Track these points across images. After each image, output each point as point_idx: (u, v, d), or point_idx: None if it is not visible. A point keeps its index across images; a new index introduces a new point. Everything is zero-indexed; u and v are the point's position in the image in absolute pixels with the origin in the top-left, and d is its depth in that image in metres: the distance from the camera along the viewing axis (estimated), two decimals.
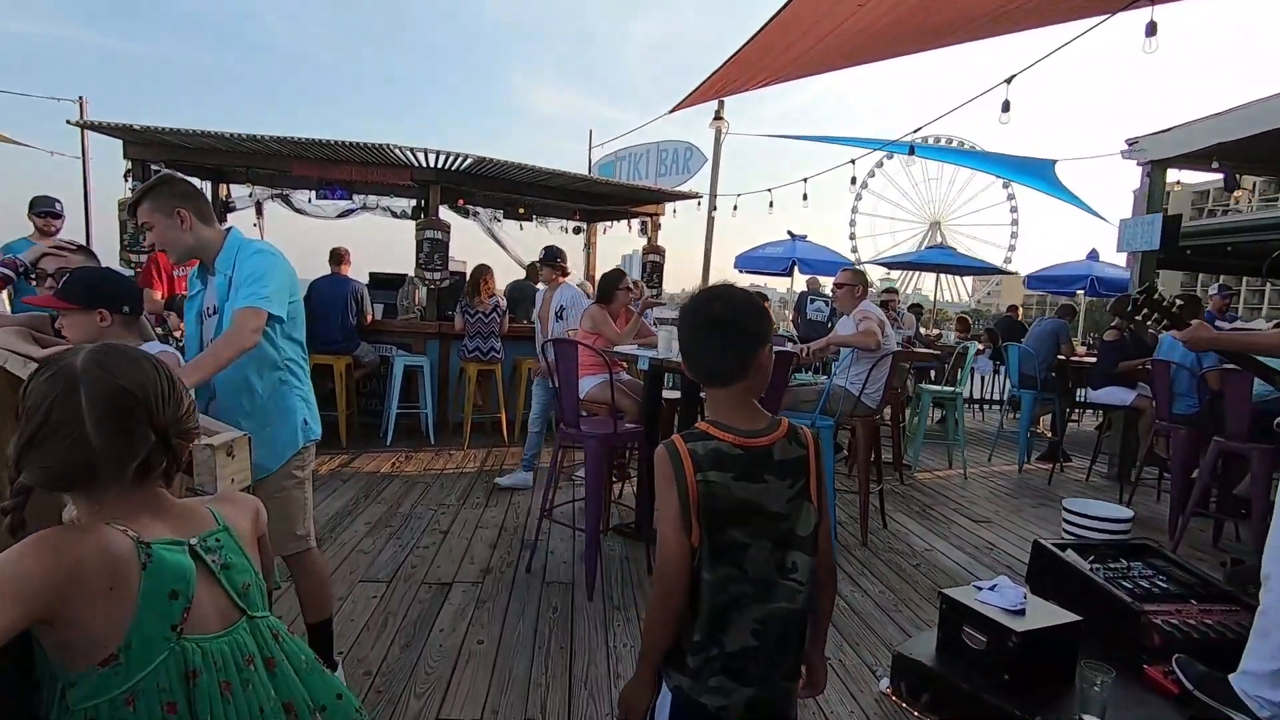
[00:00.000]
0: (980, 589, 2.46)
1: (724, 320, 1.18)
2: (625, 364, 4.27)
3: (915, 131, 6.45)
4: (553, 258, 4.81)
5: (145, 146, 5.66)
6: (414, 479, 4.79)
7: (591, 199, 6.99)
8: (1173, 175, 6.14)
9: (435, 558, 3.38)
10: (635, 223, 7.36)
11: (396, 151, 5.62)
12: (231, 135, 5.30)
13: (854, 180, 8.91)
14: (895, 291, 8.23)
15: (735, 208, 7.91)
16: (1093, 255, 9.01)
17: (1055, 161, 7.79)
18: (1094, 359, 6.36)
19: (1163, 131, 5.61)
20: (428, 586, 3.06)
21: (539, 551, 3.49)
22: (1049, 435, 6.66)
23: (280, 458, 2.08)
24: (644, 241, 7.48)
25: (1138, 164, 5.84)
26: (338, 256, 5.74)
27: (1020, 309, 8.96)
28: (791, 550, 1.16)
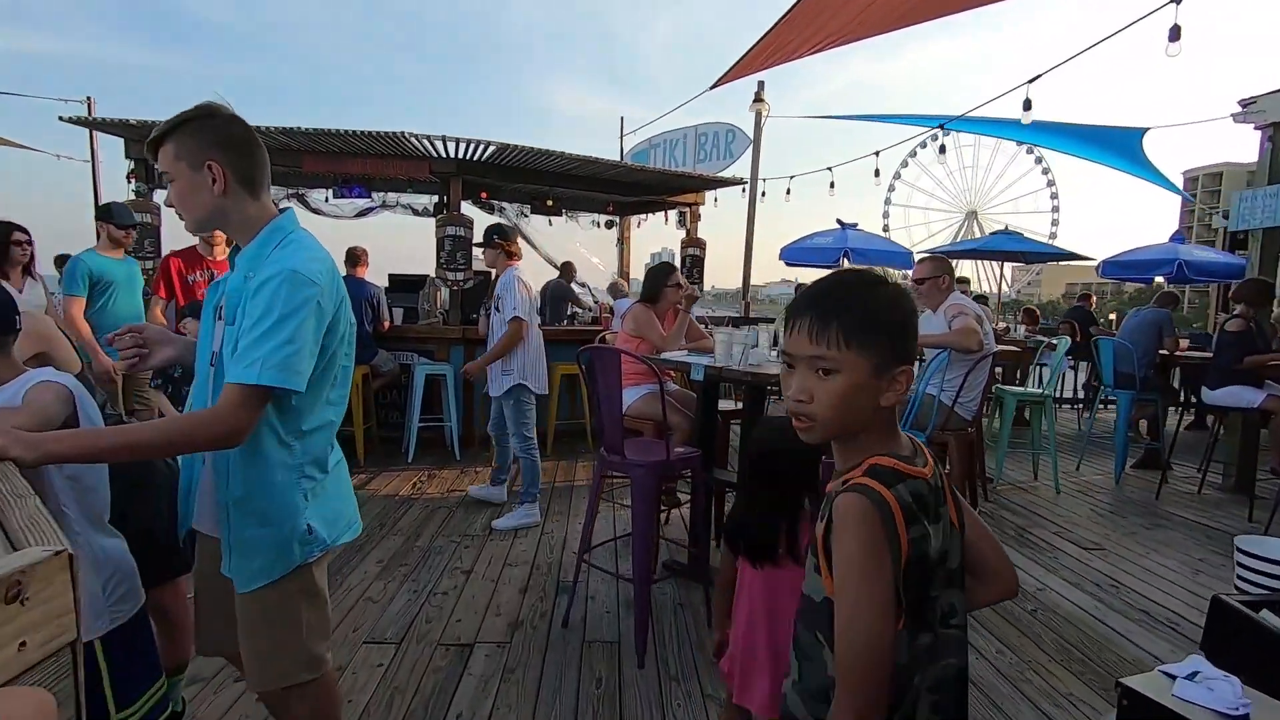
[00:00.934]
0: (1172, 676, 1.83)
1: (914, 307, 0.99)
2: (673, 373, 3.70)
3: (976, 109, 5.75)
4: (492, 236, 4.03)
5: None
6: (436, 503, 4.29)
7: (625, 189, 6.44)
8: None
9: (455, 608, 2.86)
10: (673, 214, 6.77)
11: (413, 141, 5.14)
12: None
13: (877, 173, 8.21)
14: (966, 281, 7.49)
15: (788, 191, 7.28)
16: (1178, 237, 8.15)
17: (1145, 130, 6.97)
18: (1202, 354, 5.59)
19: None
20: (445, 649, 2.54)
21: (577, 598, 2.94)
22: (1146, 439, 5.90)
23: (260, 577, 1.40)
24: (682, 234, 6.90)
25: (1255, 128, 5.07)
26: (354, 257, 5.28)
27: (1094, 298, 8.15)
28: (952, 590, 0.97)
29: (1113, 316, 9.80)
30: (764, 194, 6.82)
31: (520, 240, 7.58)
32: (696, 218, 6.85)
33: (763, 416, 2.72)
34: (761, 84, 8.78)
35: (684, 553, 3.32)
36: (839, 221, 8.16)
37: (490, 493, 4.29)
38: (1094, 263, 9.22)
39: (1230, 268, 7.72)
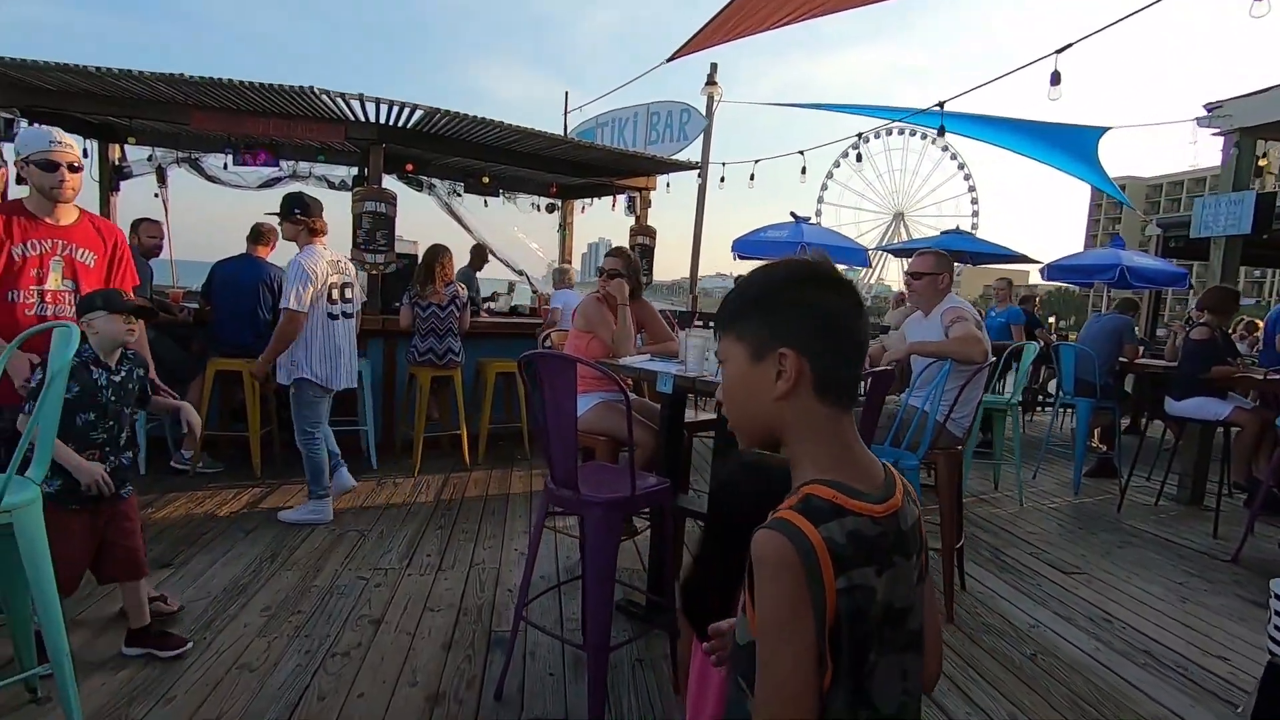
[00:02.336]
0: None
1: (856, 303, 0.87)
2: (631, 380, 3.18)
3: (940, 106, 5.48)
4: (291, 209, 3.63)
5: None
6: (344, 524, 3.64)
7: (570, 169, 5.86)
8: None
9: (358, 676, 2.27)
10: (621, 199, 6.24)
11: (325, 99, 4.41)
12: (102, 70, 4.02)
13: (804, 170, 8.07)
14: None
15: (752, 177, 6.82)
16: (1118, 242, 8.23)
17: (1104, 130, 6.90)
18: (1161, 363, 5.51)
19: (1256, 93, 4.73)
20: None
21: (514, 655, 2.39)
22: (1100, 448, 5.80)
23: None
24: (631, 221, 6.38)
25: (1218, 133, 4.96)
26: (259, 234, 4.51)
27: (1038, 300, 8.13)
28: (909, 654, 0.84)
29: (1052, 319, 9.91)
30: (723, 179, 6.35)
31: (454, 221, 6.93)
32: (647, 204, 6.34)
33: (728, 455, 2.26)
34: (714, 66, 8.35)
35: (639, 592, 2.83)
36: (793, 215, 7.83)
37: (315, 512, 3.68)
38: (1020, 267, 9.34)
39: (1171, 275, 7.85)
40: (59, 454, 1.97)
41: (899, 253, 9.58)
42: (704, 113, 7.50)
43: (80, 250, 2.43)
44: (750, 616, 0.80)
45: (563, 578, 3.07)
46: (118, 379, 2.17)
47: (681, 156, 6.60)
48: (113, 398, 2.15)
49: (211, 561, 3.07)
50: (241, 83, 4.17)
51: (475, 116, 4.69)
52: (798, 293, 0.88)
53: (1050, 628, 2.93)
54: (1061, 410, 7.61)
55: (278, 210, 3.74)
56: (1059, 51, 3.41)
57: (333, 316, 3.68)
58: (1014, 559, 3.74)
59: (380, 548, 3.36)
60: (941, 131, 6.56)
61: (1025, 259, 8.94)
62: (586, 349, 2.99)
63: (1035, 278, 9.60)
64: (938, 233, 11.77)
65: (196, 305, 4.78)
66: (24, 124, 4.58)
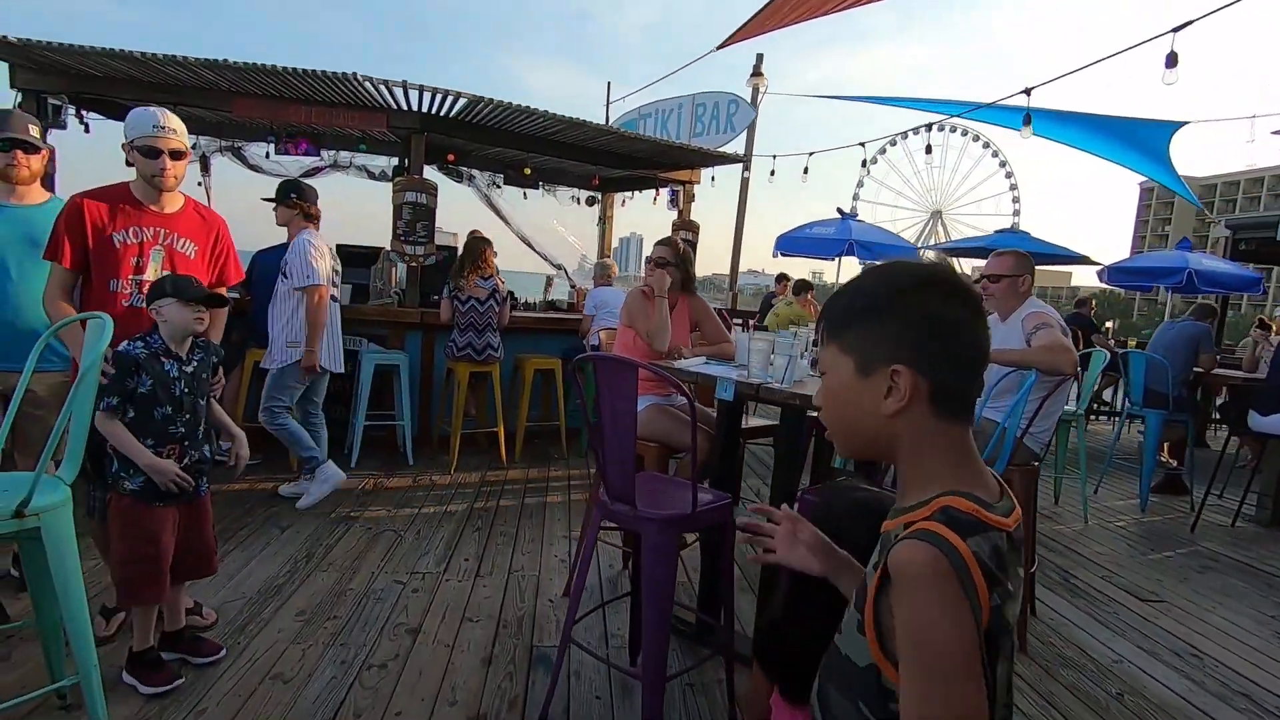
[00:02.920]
0: None
1: (977, 311, 0.80)
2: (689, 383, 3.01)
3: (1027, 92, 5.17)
4: (288, 193, 3.70)
5: (39, 73, 4.33)
6: (381, 523, 3.55)
7: (612, 161, 5.69)
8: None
9: (395, 691, 2.15)
10: (664, 192, 6.06)
11: (369, 87, 4.32)
12: (147, 56, 3.98)
13: (865, 163, 7.75)
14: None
15: (806, 170, 6.55)
16: (1185, 244, 7.77)
17: (1178, 126, 6.49)
18: (1239, 373, 5.16)
19: None
20: None
21: (560, 676, 2.25)
22: (1170, 463, 5.46)
23: None
24: (674, 215, 6.19)
25: None
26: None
27: (1094, 303, 7.73)
28: (1011, 664, 0.83)
29: (1109, 325, 9.47)
30: (773, 173, 6.09)
31: (493, 213, 6.82)
32: (690, 198, 6.15)
33: (832, 483, 2.08)
34: (760, 57, 8.10)
35: (689, 610, 2.66)
36: (840, 211, 7.55)
37: (303, 488, 3.73)
38: (1063, 268, 8.91)
39: (1244, 279, 7.38)
40: (131, 451, 1.90)
41: (951, 252, 9.20)
42: (755, 101, 7.26)
43: (181, 240, 2.31)
44: (871, 641, 0.77)
45: (606, 593, 2.92)
46: (190, 369, 2.04)
47: (730, 149, 6.37)
48: (186, 390, 2.02)
49: (247, 560, 2.99)
50: (284, 69, 4.10)
51: (519, 105, 4.56)
52: (913, 301, 0.79)
53: (1134, 663, 2.69)
54: (1127, 421, 7.23)
55: (273, 195, 3.74)
56: (1177, 30, 3.08)
57: (335, 299, 3.76)
58: (1085, 583, 3.49)
59: (417, 550, 3.25)
60: (1027, 120, 6.19)
61: (1086, 260, 8.51)
62: (634, 346, 2.83)
63: (1078, 279, 9.17)
64: (988, 231, 11.33)
65: (237, 295, 4.73)
66: (71, 111, 4.58)
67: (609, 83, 9.01)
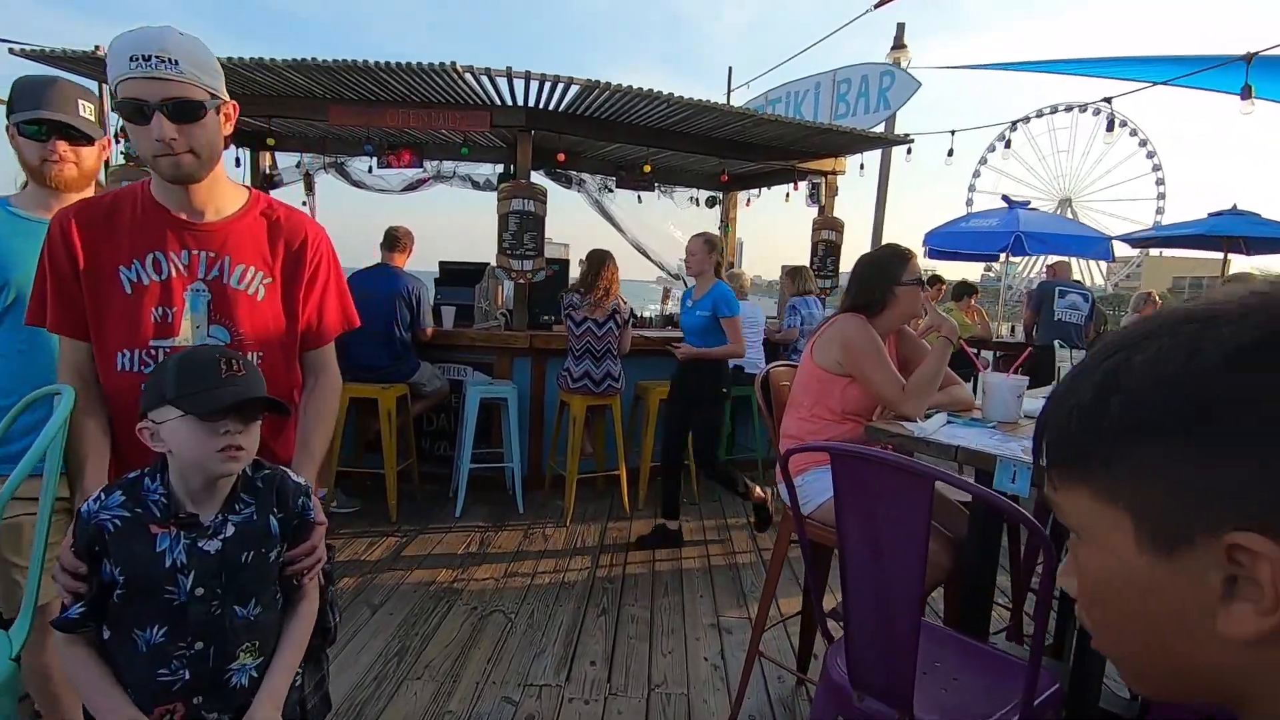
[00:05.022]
0: None
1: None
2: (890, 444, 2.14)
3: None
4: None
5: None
6: (488, 597, 2.91)
7: (743, 152, 4.89)
8: None
9: None
10: (803, 186, 5.18)
11: (469, 79, 3.75)
12: (235, 61, 3.60)
13: (1003, 141, 6.45)
14: (940, 280, 5.51)
15: (950, 153, 5.30)
16: None
17: None
18: None
19: None
20: None
21: None
22: None
23: None
24: (814, 212, 5.30)
25: None
26: (393, 240, 3.95)
27: None
28: None
29: None
30: (909, 151, 5.00)
31: (605, 220, 6.20)
32: (833, 191, 5.24)
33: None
34: (901, 27, 7.04)
35: None
36: (1006, 199, 6.36)
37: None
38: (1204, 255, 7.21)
39: None
40: (95, 709, 1.01)
41: (1146, 242, 7.35)
42: (914, 75, 6.20)
43: (241, 270, 1.33)
44: None
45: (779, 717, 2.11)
46: (219, 544, 1.05)
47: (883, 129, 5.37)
48: (201, 590, 1.03)
49: (336, 652, 2.42)
50: (377, 64, 3.60)
51: (638, 89, 3.85)
52: (1256, 388, 0.36)
53: None
54: None
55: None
56: None
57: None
58: None
59: (531, 644, 2.57)
60: (1247, 93, 4.89)
61: None
62: (840, 397, 1.99)
63: (1233, 267, 7.30)
64: (1145, 224, 9.40)
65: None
66: None
67: (730, 68, 8.21)
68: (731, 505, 4.24)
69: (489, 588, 3.03)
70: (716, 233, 4.89)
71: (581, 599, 2.97)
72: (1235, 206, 6.25)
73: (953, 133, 6.49)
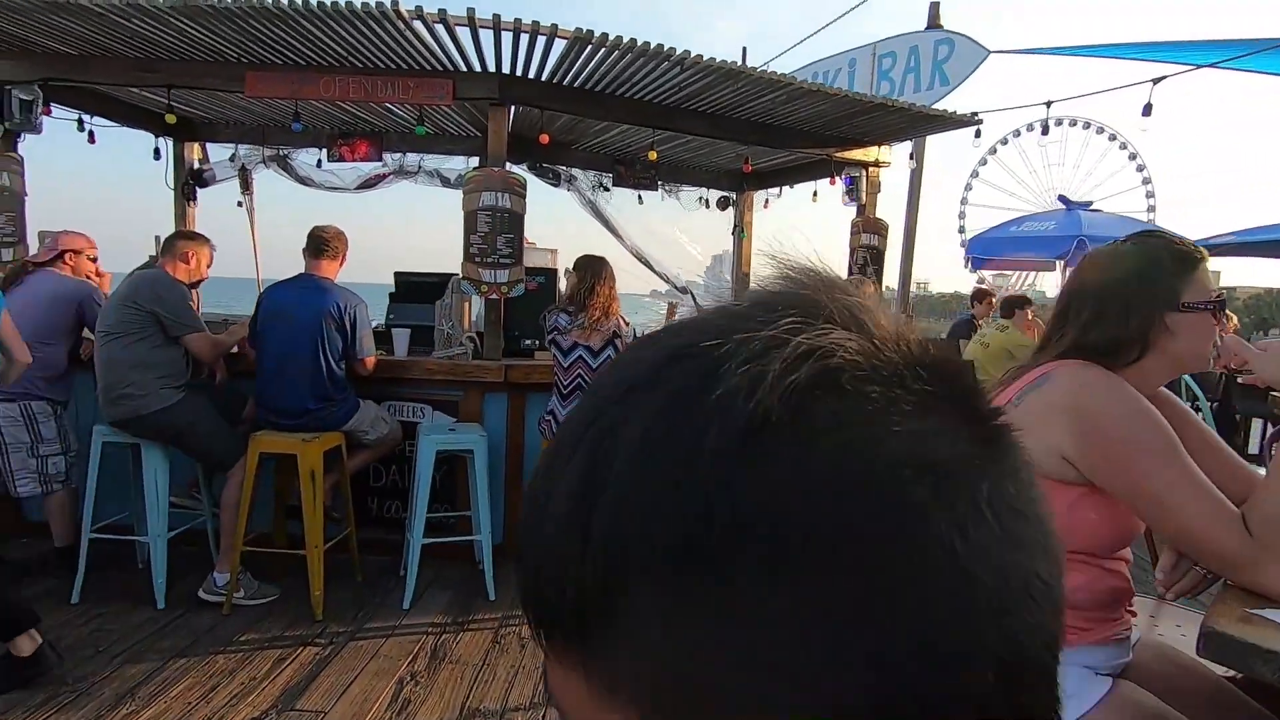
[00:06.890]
0: None
1: None
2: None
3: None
4: None
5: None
6: None
7: (773, 136, 4.00)
8: None
9: None
10: (840, 181, 4.27)
11: (421, 32, 2.85)
12: (98, 4, 2.68)
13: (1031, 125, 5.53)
14: (1028, 302, 4.53)
15: (978, 134, 4.16)
16: None
17: None
18: None
19: None
20: None
21: None
22: None
23: None
24: (851, 212, 4.40)
25: None
26: (319, 244, 2.99)
27: None
28: None
29: None
30: (978, 134, 4.10)
31: (600, 223, 5.29)
32: (875, 187, 4.34)
33: None
34: (935, 6, 6.20)
35: None
36: (1062, 200, 5.50)
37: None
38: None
39: None
40: None
41: (1219, 250, 6.51)
42: (981, 41, 5.27)
43: None
44: None
45: None
46: None
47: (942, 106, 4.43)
48: None
49: None
50: (300, 7, 2.69)
51: (642, 44, 2.95)
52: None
53: None
54: None
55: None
56: None
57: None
58: None
59: None
60: None
61: None
62: (1064, 522, 1.08)
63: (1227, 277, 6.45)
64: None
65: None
66: (45, 109, 3.40)
67: (744, 48, 7.22)
68: None
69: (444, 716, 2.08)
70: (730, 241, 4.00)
71: None
72: (1150, 221, 5.42)
73: (976, 115, 5.55)
